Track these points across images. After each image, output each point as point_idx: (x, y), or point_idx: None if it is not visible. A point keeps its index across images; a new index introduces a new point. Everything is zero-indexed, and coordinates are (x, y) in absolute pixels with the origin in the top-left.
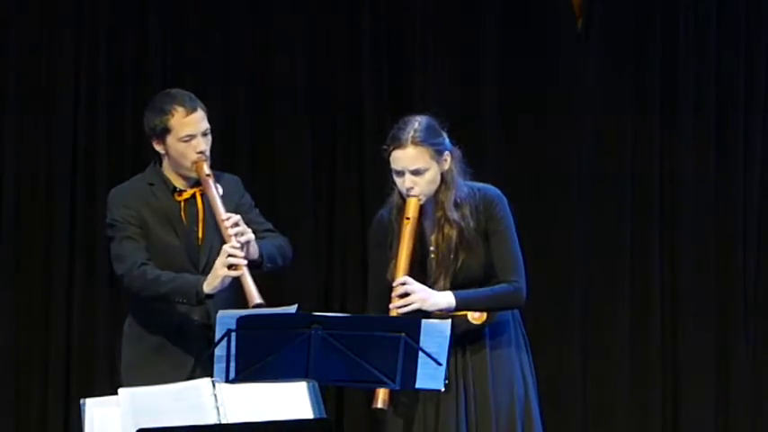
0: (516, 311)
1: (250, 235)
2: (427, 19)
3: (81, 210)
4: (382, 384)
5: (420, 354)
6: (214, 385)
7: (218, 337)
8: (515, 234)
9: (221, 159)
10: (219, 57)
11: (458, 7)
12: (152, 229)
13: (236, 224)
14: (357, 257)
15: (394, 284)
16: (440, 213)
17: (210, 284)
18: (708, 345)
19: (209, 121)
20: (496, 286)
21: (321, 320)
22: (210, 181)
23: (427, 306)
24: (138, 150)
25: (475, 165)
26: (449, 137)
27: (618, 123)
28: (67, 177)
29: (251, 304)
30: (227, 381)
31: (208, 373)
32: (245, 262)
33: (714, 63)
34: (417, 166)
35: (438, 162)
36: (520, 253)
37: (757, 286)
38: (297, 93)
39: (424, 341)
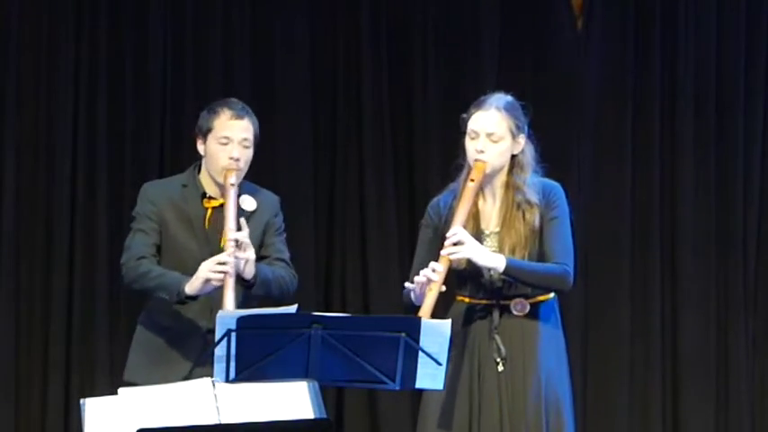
0: (555, 300)
1: (251, 254)
2: (427, 18)
3: (81, 210)
4: (382, 384)
5: (420, 354)
6: (214, 385)
7: (218, 337)
8: (569, 225)
9: None
10: (219, 57)
11: (458, 7)
12: (170, 229)
13: (242, 240)
14: (357, 257)
15: (448, 234)
16: (519, 197)
17: (192, 285)
18: (708, 344)
19: None
20: (547, 264)
21: (321, 320)
22: (232, 191)
23: (477, 258)
24: (138, 151)
25: None
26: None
27: (618, 123)
28: (68, 177)
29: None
30: (227, 381)
31: (208, 374)
32: (233, 272)
33: (714, 62)
34: (494, 130)
35: (514, 138)
36: (572, 242)
37: (757, 286)
38: (297, 92)
39: (425, 341)
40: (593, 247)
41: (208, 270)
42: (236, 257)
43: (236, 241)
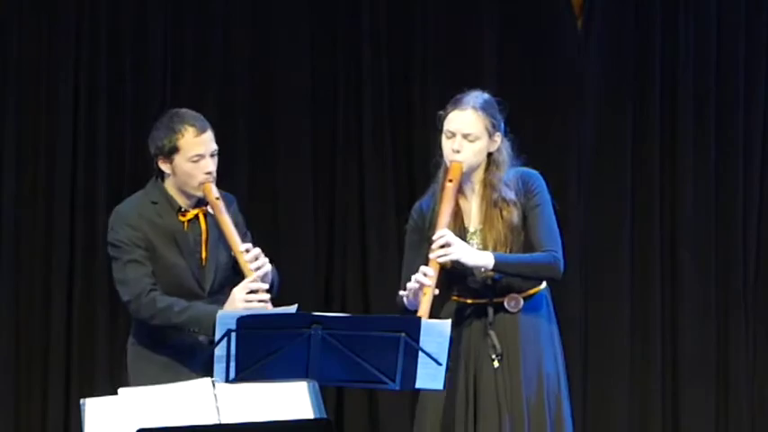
0: (548, 291)
1: (268, 266)
2: (427, 19)
3: (81, 211)
4: (382, 384)
5: (420, 354)
6: (214, 385)
7: (218, 337)
8: (552, 211)
9: (221, 160)
10: (219, 57)
11: (458, 7)
12: (158, 250)
13: (256, 257)
14: (357, 258)
15: (434, 237)
16: (495, 195)
17: None
18: (708, 344)
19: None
20: (535, 254)
21: (321, 320)
22: (221, 205)
23: (465, 258)
24: (138, 152)
25: None
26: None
27: (618, 123)
28: (68, 178)
29: None
30: (227, 381)
31: None
32: (268, 297)
33: (714, 62)
34: (470, 131)
35: (490, 137)
36: (557, 229)
37: (757, 286)
38: (297, 93)
39: (424, 341)
40: (594, 247)
41: (244, 300)
42: (260, 276)
43: (256, 260)
